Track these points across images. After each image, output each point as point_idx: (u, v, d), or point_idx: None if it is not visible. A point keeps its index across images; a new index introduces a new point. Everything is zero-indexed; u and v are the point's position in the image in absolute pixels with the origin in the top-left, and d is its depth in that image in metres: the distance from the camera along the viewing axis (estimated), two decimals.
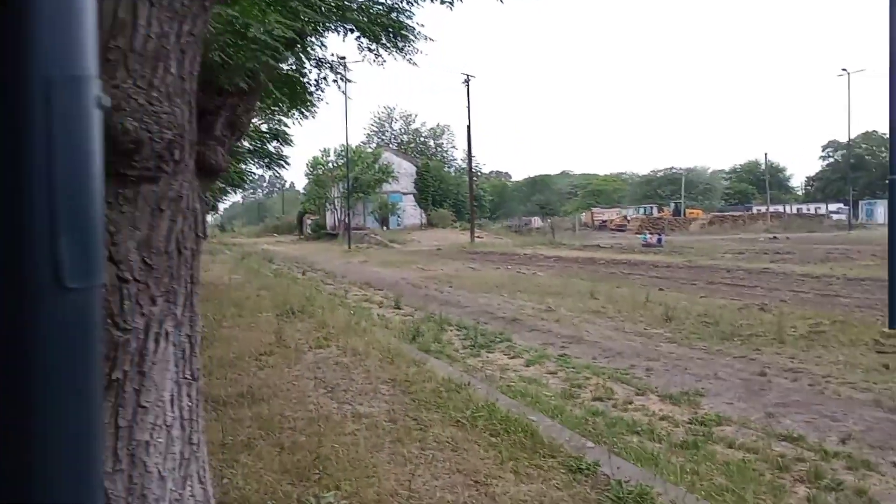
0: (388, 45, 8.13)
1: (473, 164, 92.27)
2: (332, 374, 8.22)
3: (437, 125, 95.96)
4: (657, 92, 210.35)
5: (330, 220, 74.05)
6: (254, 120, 20.35)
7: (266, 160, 21.15)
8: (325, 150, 71.84)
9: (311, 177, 74.96)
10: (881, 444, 6.56)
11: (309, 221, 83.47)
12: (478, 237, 56.24)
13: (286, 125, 20.11)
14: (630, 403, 8.07)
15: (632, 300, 16.26)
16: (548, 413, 7.03)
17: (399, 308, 16.82)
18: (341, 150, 68.22)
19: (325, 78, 8.74)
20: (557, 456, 5.29)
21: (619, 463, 5.23)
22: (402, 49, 8.02)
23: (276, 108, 19.83)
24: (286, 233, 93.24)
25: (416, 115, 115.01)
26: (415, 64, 8.17)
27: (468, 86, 53.17)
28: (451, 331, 13.34)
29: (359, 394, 7.30)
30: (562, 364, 10.23)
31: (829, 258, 28.67)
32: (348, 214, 59.86)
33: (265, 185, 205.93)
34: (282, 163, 22.21)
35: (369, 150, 78.70)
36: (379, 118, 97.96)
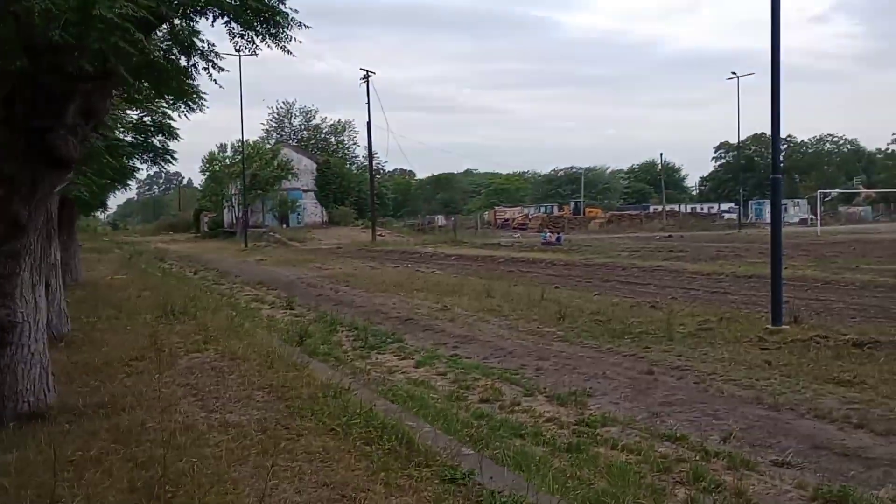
0: (261, 31, 7.72)
1: (376, 162, 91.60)
2: (206, 381, 7.73)
3: (339, 121, 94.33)
4: (562, 91, 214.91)
5: (228, 217, 71.85)
6: (135, 112, 19.41)
7: (151, 154, 20.21)
8: (221, 146, 69.78)
9: (207, 173, 72.59)
10: (761, 442, 6.64)
11: (206, 219, 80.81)
12: (380, 235, 55.79)
13: (171, 118, 19.35)
14: (517, 405, 7.94)
15: (527, 298, 16.30)
16: (430, 418, 6.79)
17: (291, 308, 16.32)
18: (239, 146, 66.34)
19: (194, 66, 8.27)
20: (432, 465, 5.04)
21: (496, 471, 5.04)
22: (276, 36, 7.62)
23: (159, 101, 18.92)
24: (183, 231, 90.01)
25: (316, 111, 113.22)
26: (289, 52, 7.77)
27: (368, 82, 52.68)
28: (343, 332, 12.99)
29: (231, 401, 6.86)
30: (452, 365, 10.05)
31: (720, 256, 29.78)
32: (245, 212, 58.25)
33: (161, 181, 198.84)
34: (168, 157, 21.35)
35: (268, 146, 76.80)
36: (278, 113, 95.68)
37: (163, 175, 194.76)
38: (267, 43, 7.88)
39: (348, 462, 5.12)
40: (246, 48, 9.18)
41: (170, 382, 7.62)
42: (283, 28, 7.49)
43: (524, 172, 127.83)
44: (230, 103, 51.97)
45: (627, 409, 7.73)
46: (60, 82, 6.13)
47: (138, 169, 20.25)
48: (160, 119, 19.27)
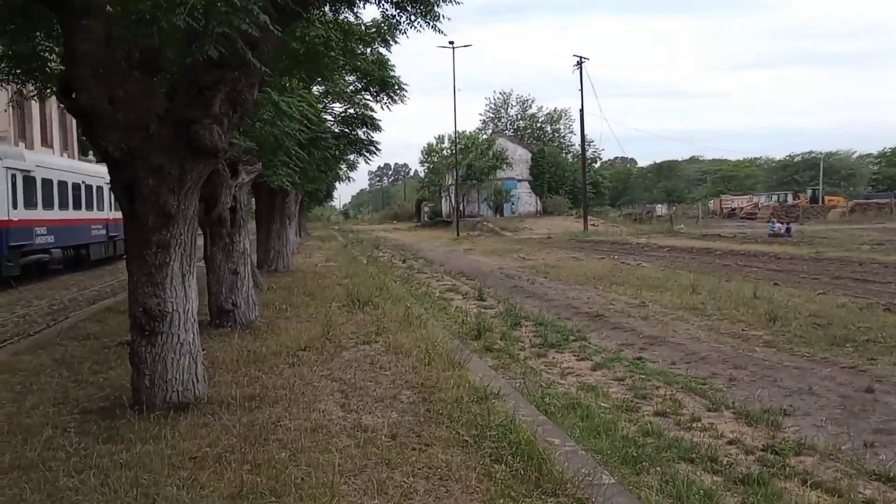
0: (413, 11, 7.34)
1: (592, 150, 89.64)
2: (360, 376, 7.51)
3: (555, 110, 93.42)
4: (798, 71, 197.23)
5: (445, 207, 73.87)
6: (336, 105, 20.03)
7: (356, 147, 20.85)
8: (439, 137, 71.67)
9: (426, 164, 75.06)
10: None
11: (426, 209, 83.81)
12: (592, 225, 54.38)
13: (372, 110, 19.80)
14: (697, 421, 6.90)
15: (737, 296, 14.68)
16: (583, 432, 6.04)
17: (482, 300, 16.00)
18: (456, 137, 67.81)
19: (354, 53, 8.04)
20: (560, 494, 4.33)
21: None
22: (427, 15, 7.20)
23: (363, 93, 19.33)
24: (406, 220, 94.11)
25: (532, 100, 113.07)
26: (441, 32, 7.33)
27: (581, 69, 51.31)
28: (526, 326, 12.38)
29: (375, 400, 6.54)
30: (633, 369, 9.09)
31: None
32: (457, 202, 59.40)
33: (390, 172, 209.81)
34: (372, 149, 21.96)
35: (484, 136, 77.78)
36: (495, 104, 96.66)
37: (392, 166, 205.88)
38: (419, 23, 7.52)
39: (468, 483, 4.54)
40: (398, 28, 8.94)
41: (326, 376, 7.48)
42: (432, 7, 7.08)
43: (755, 159, 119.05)
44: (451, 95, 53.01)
45: (832, 435, 6.41)
46: (207, 71, 6.13)
47: (343, 161, 21.02)
48: (362, 111, 19.94)
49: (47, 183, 21.62)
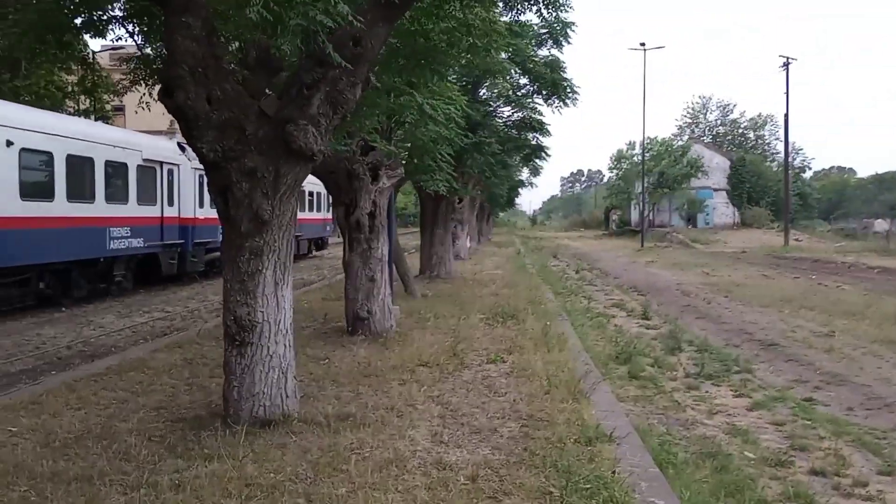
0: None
1: (801, 159, 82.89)
2: (470, 400, 6.91)
3: (759, 115, 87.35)
4: None
5: (634, 216, 71.27)
6: (506, 109, 19.49)
7: (525, 152, 20.27)
8: (630, 143, 69.27)
9: (615, 171, 72.89)
10: None
11: (614, 217, 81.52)
12: (795, 240, 49.99)
13: (541, 114, 19.10)
14: (863, 486, 5.61)
15: None
16: (719, 489, 5.07)
17: (646, 318, 14.79)
18: (648, 143, 65.22)
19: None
20: None
21: None
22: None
23: (534, 97, 18.66)
24: (594, 228, 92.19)
25: (734, 105, 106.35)
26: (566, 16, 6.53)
27: (787, 70, 47.23)
28: (688, 352, 11.17)
29: (472, 431, 5.90)
30: (798, 412, 7.76)
31: None
32: (643, 211, 56.96)
33: (583, 178, 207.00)
34: (541, 154, 21.27)
35: (679, 142, 74.23)
36: (693, 109, 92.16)
37: (584, 172, 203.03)
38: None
39: None
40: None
41: (433, 398, 6.95)
42: None
43: None
44: (653, 102, 51.07)
45: None
46: (309, 70, 5.81)
47: (508, 167, 20.52)
48: (529, 115, 19.31)
49: None
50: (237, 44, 6.79)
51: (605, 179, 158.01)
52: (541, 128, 19.38)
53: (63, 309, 14.43)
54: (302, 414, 6.12)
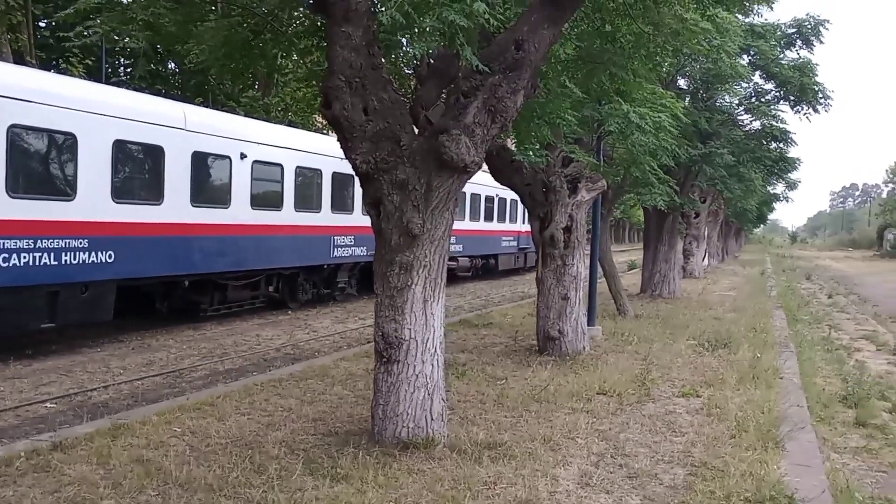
0: None
1: None
2: (640, 438, 6.21)
3: None
4: None
5: None
6: (748, 118, 17.88)
7: (766, 164, 18.51)
8: None
9: (891, 184, 64.77)
10: None
11: (889, 236, 72.48)
12: None
13: (783, 122, 17.30)
14: None
15: None
16: None
17: None
18: None
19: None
20: None
21: None
22: None
23: (780, 104, 17.02)
24: (864, 247, 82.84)
25: None
26: None
27: None
28: None
29: (629, 476, 5.24)
30: None
31: None
32: None
33: (858, 192, 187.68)
34: (785, 166, 19.27)
35: None
36: None
37: (859, 186, 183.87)
38: None
39: None
40: None
41: (600, 432, 6.35)
42: None
43: None
44: None
45: None
46: (468, 77, 5.54)
47: (744, 180, 18.78)
48: (770, 123, 17.52)
49: (459, 195, 23.45)
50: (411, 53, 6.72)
51: (883, 194, 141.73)
52: (784, 137, 17.53)
53: (289, 312, 15.51)
54: (449, 438, 5.84)
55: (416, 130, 5.88)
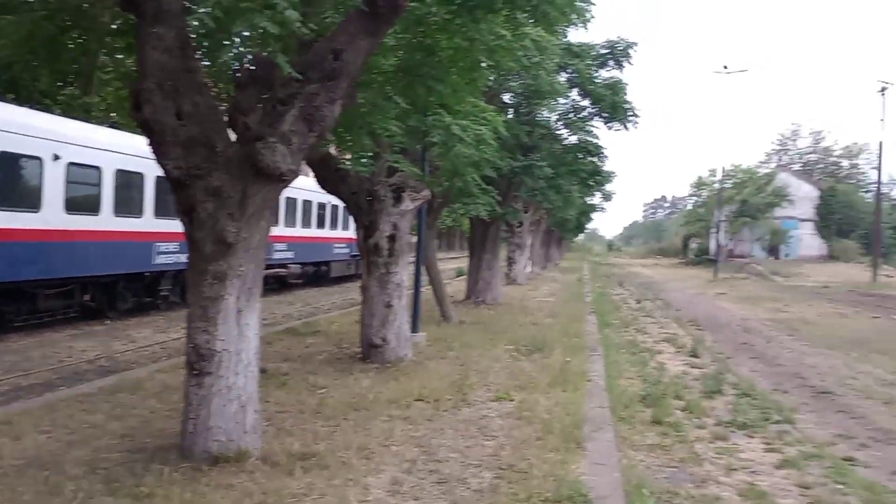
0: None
1: None
2: (454, 443, 6.42)
3: (854, 143, 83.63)
4: None
5: (713, 244, 69.04)
6: (566, 132, 18.89)
7: (580, 176, 19.63)
8: (711, 170, 67.24)
9: (694, 197, 70.85)
10: None
11: (693, 245, 79.15)
12: (886, 276, 47.21)
13: (597, 137, 18.46)
14: None
15: None
16: None
17: (695, 357, 13.87)
18: (731, 170, 63.26)
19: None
20: None
21: None
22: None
23: (593, 120, 18.01)
24: (671, 255, 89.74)
25: (827, 133, 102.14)
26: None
27: (884, 95, 44.83)
28: (728, 396, 10.32)
29: (439, 481, 5.41)
30: (833, 474, 6.90)
31: None
32: (719, 240, 55.00)
33: (666, 204, 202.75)
34: (599, 178, 20.57)
35: (766, 170, 71.65)
36: (783, 136, 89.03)
37: (668, 198, 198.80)
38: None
39: None
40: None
41: (415, 438, 6.50)
42: None
43: None
44: (740, 126, 49.45)
45: None
46: (284, 84, 5.50)
47: (561, 191, 19.88)
48: (585, 138, 18.68)
49: (290, 201, 23.11)
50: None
51: (688, 206, 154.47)
52: (598, 151, 18.74)
53: (107, 322, 14.61)
54: (263, 451, 5.76)
55: (235, 137, 5.76)
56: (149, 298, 16.55)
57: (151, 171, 15.31)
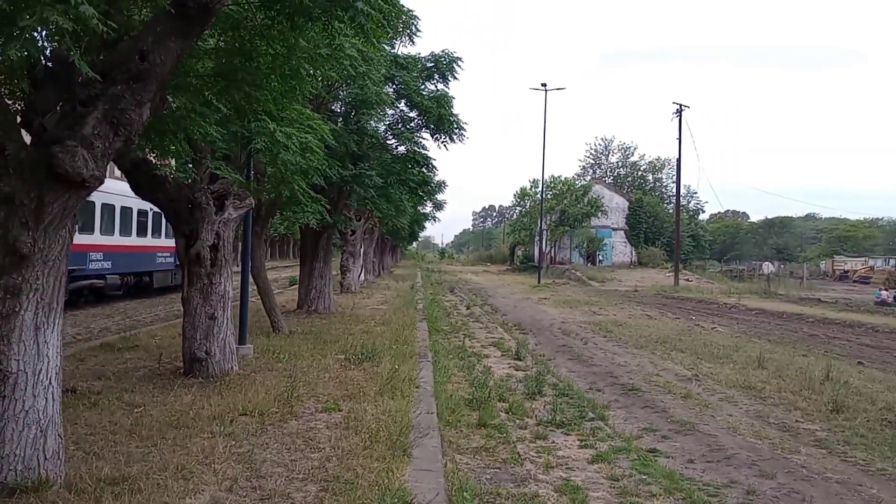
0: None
1: (694, 203, 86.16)
2: (279, 457, 6.26)
3: (658, 159, 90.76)
4: None
5: (537, 252, 72.30)
6: (393, 141, 19.07)
7: (409, 186, 19.86)
8: (533, 181, 70.36)
9: (518, 207, 73.83)
10: None
11: (519, 253, 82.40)
12: (686, 280, 51.47)
13: (425, 148, 18.76)
14: None
15: (806, 377, 12.59)
16: None
17: (519, 360, 14.43)
18: (549, 182, 66.42)
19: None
20: None
21: None
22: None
23: (420, 132, 18.21)
24: (500, 262, 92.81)
25: (635, 148, 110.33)
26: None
27: (680, 117, 48.98)
28: (548, 396, 10.81)
29: (261, 498, 5.25)
30: (638, 466, 7.41)
31: None
32: (542, 249, 57.74)
33: (494, 214, 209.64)
34: (427, 189, 20.93)
35: (582, 182, 76.01)
36: (595, 150, 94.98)
37: (496, 207, 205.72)
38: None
39: None
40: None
41: (239, 454, 6.27)
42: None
43: (878, 219, 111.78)
44: (559, 140, 51.87)
45: None
46: (86, 85, 5.14)
47: (391, 200, 20.06)
48: (413, 149, 18.96)
49: (107, 207, 21.68)
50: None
51: (514, 215, 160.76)
52: (426, 162, 19.05)
53: None
54: (68, 478, 5.34)
55: (30, 140, 5.32)
56: None
57: None
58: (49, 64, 5.71)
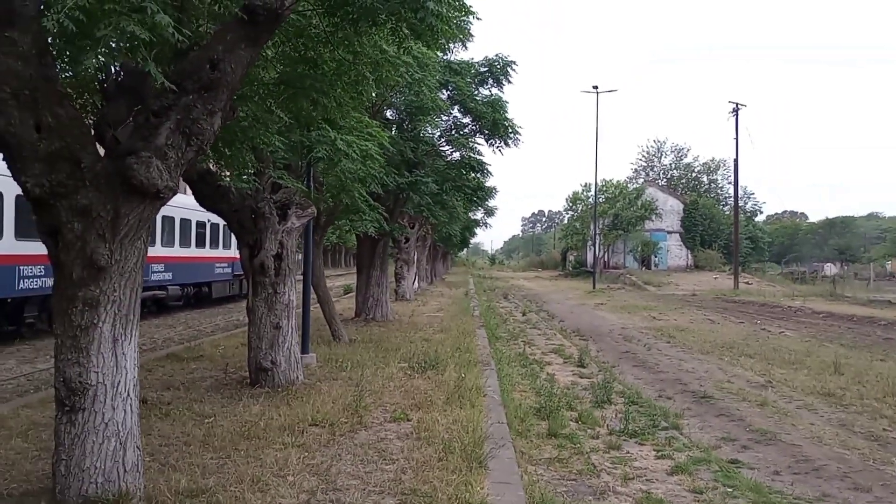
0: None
1: (752, 203, 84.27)
2: (352, 469, 6.15)
3: (712, 159, 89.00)
4: None
5: (590, 257, 71.49)
6: (449, 148, 18.97)
7: (466, 192, 19.73)
8: (585, 185, 69.66)
9: (570, 212, 73.20)
10: None
11: (571, 258, 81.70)
12: (746, 283, 50.25)
13: (479, 154, 18.59)
14: None
15: (888, 382, 12.04)
16: None
17: (582, 367, 14.14)
18: (603, 186, 65.68)
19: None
20: None
21: None
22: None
23: (476, 137, 18.12)
24: (551, 268, 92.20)
25: (688, 149, 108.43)
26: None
27: (737, 116, 47.91)
28: (617, 405, 10.52)
29: None
30: (721, 477, 7.10)
31: None
32: (597, 253, 57.06)
33: (544, 219, 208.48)
34: (483, 195, 20.76)
35: (635, 185, 75.00)
36: (647, 152, 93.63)
37: (546, 213, 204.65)
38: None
39: None
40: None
41: (311, 466, 6.17)
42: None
43: None
44: (609, 142, 51.34)
45: None
46: (159, 95, 5.11)
47: (445, 207, 19.97)
48: (469, 155, 18.82)
49: (167, 220, 22.07)
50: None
51: (564, 220, 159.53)
52: (480, 168, 18.90)
53: None
54: (147, 490, 5.30)
55: (104, 152, 5.32)
56: (12, 326, 15.31)
57: (11, 188, 14.21)
58: (120, 77, 5.73)
